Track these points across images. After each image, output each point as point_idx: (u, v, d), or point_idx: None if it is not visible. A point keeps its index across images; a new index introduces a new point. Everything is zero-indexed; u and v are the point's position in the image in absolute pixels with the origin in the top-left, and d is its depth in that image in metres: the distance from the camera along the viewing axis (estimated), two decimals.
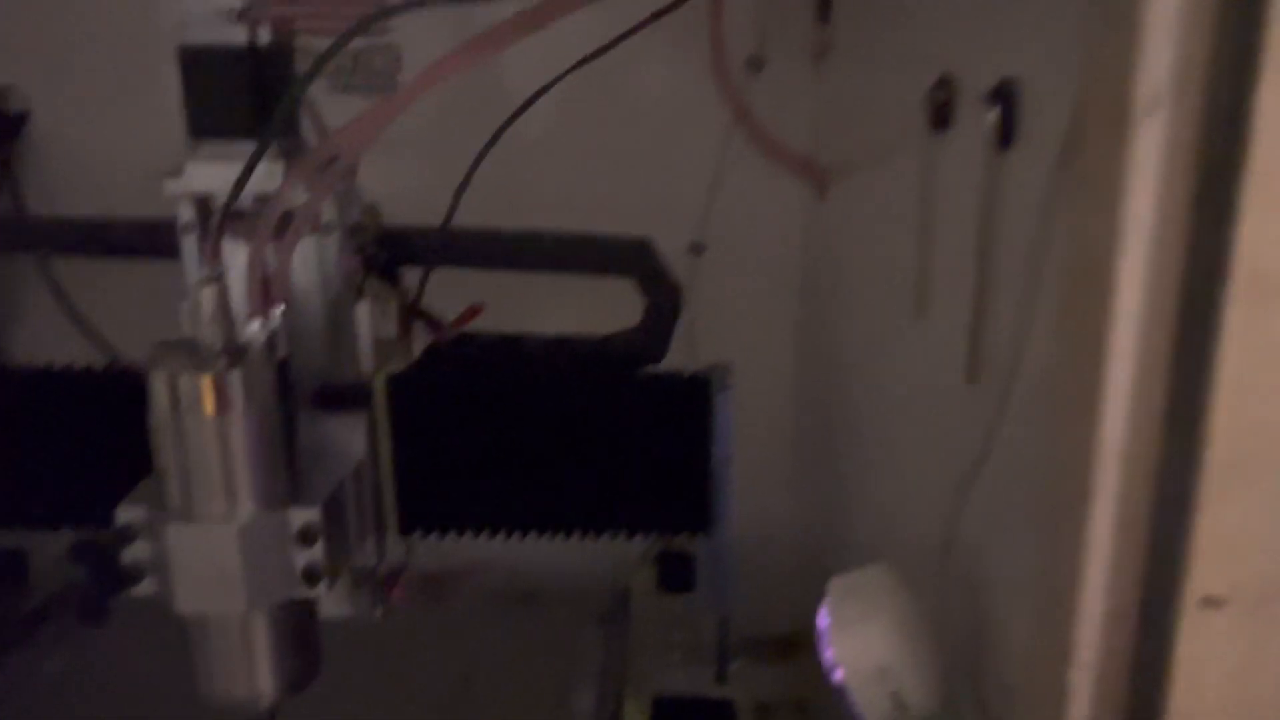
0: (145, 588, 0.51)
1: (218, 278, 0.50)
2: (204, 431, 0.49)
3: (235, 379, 0.50)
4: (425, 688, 0.88)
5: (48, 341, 0.94)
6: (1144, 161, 0.30)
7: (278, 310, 0.55)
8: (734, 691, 0.79)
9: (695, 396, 0.81)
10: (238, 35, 0.58)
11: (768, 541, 0.94)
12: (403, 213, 0.73)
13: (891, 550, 0.63)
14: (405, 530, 0.68)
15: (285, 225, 0.56)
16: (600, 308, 0.82)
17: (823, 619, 0.44)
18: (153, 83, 0.68)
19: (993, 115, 0.43)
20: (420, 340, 0.74)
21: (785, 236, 1.03)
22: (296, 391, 0.57)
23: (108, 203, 0.79)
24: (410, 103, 0.60)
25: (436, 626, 0.91)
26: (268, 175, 0.56)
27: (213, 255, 0.51)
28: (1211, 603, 0.32)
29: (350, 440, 0.64)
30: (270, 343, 0.53)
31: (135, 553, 0.51)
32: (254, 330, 0.53)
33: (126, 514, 0.51)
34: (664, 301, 0.81)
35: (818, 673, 0.46)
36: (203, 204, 0.60)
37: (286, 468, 0.53)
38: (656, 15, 0.80)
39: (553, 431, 0.79)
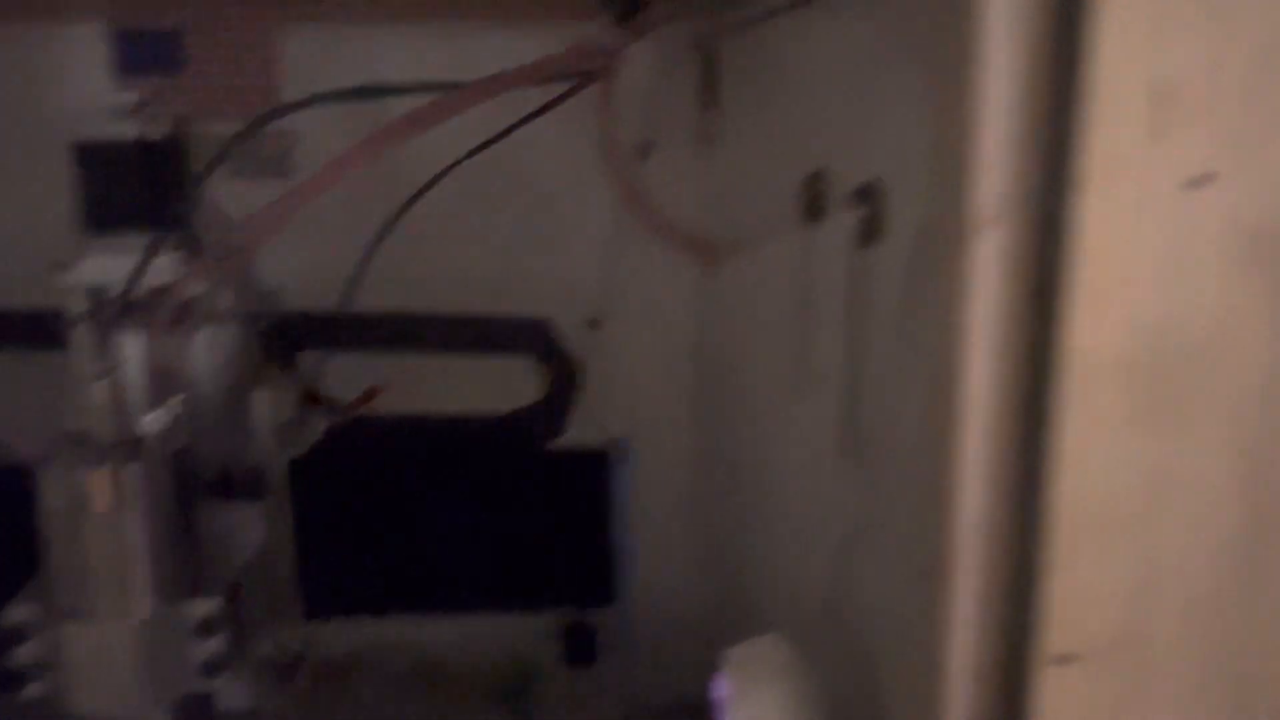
0: (37, 690, 0.50)
1: (111, 370, 0.50)
2: (99, 527, 0.49)
3: (131, 473, 0.50)
4: None
5: None
6: (984, 268, 0.34)
7: (175, 401, 0.56)
8: None
9: (594, 470, 0.83)
10: (131, 129, 0.59)
11: (673, 611, 0.96)
12: (301, 296, 0.74)
13: (788, 619, 0.65)
14: (308, 616, 0.67)
15: (182, 315, 0.57)
16: (500, 386, 0.84)
17: (718, 690, 0.46)
18: (38, 174, 0.67)
19: (857, 214, 0.46)
20: (320, 424, 0.75)
21: (680, 311, 1.06)
22: (195, 480, 0.57)
23: None
24: (314, 196, 0.62)
25: (340, 713, 0.90)
26: (163, 267, 0.56)
27: (106, 347, 0.51)
28: (1065, 659, 0.35)
29: (251, 527, 0.64)
30: (167, 434, 0.53)
31: (26, 654, 0.50)
32: (150, 422, 0.53)
33: (17, 614, 0.50)
34: (562, 379, 0.83)
35: None
36: (95, 295, 0.60)
37: (185, 559, 0.53)
38: (548, 105, 0.83)
39: (455, 510, 0.80)
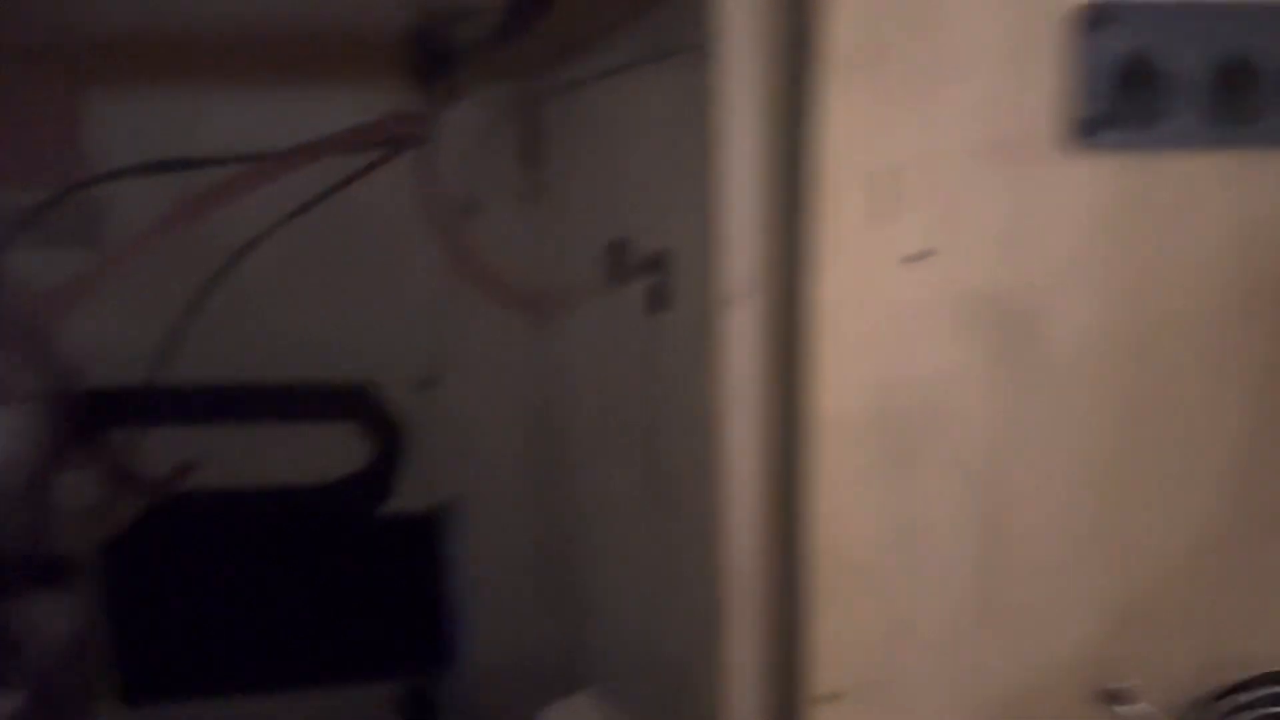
0: None
1: None
2: None
3: None
4: None
5: None
6: (738, 338, 0.37)
7: None
8: None
9: (425, 534, 0.83)
10: None
11: (520, 669, 0.96)
12: (112, 370, 0.72)
13: (618, 671, 0.67)
14: (130, 703, 0.65)
15: None
16: (328, 452, 0.83)
17: None
18: None
19: (648, 282, 0.49)
20: (134, 503, 0.73)
21: (514, 368, 1.07)
22: None
23: None
24: (122, 267, 0.61)
25: None
26: None
27: None
28: (831, 698, 0.37)
29: (60, 615, 0.61)
30: None
31: None
32: None
33: None
34: (386, 444, 0.83)
35: None
36: None
37: None
38: (361, 172, 0.84)
39: (282, 583, 0.79)
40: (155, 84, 0.83)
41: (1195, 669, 0.40)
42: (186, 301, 0.77)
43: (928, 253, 0.36)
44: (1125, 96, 0.35)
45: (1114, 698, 0.40)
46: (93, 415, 0.70)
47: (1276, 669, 0.41)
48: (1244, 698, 0.41)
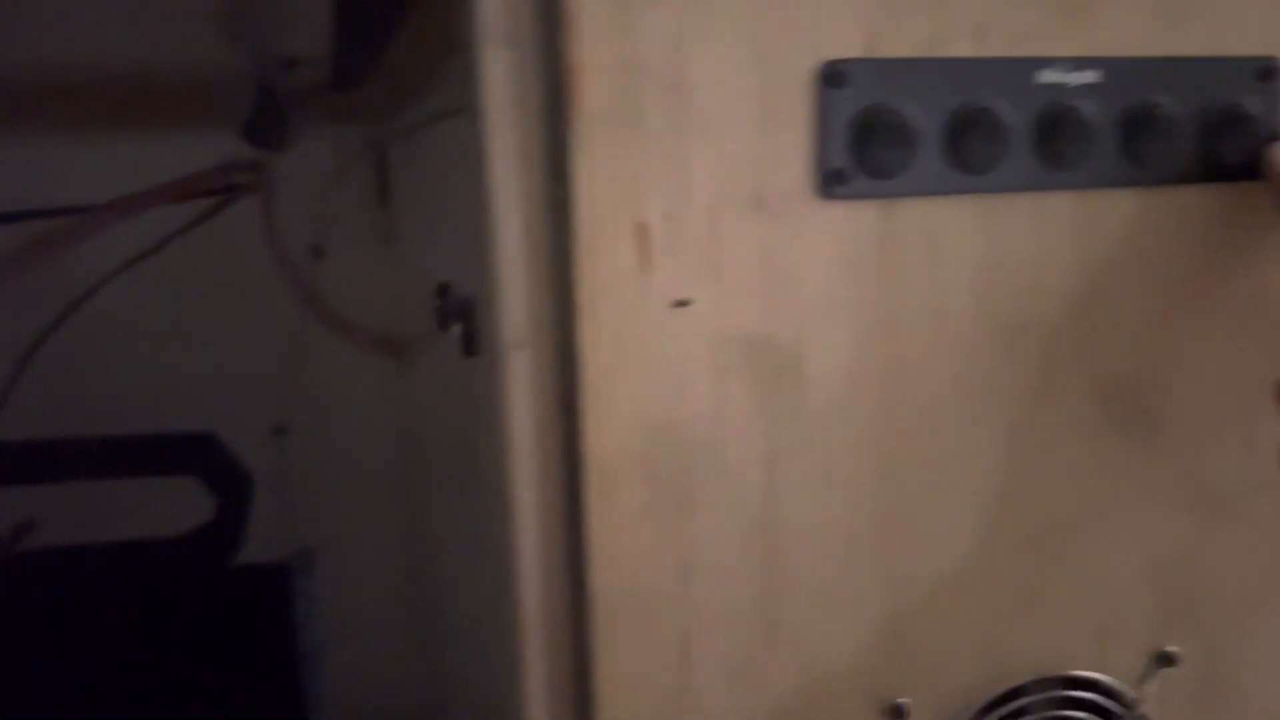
0: None
1: None
2: None
3: None
4: None
5: None
6: (518, 384, 0.38)
7: None
8: None
9: (274, 587, 0.82)
10: None
11: (386, 717, 0.95)
12: None
13: (468, 715, 0.67)
14: None
15: None
16: (172, 505, 0.81)
17: None
18: None
19: (459, 328, 0.50)
20: None
21: (374, 410, 1.07)
22: None
23: None
24: None
25: None
26: None
27: None
28: None
29: None
30: None
31: None
32: None
33: None
34: (231, 495, 0.81)
35: None
36: None
37: None
38: (209, 215, 0.83)
39: (127, 644, 0.77)
40: None
41: (968, 680, 0.43)
42: (19, 355, 0.76)
43: (691, 300, 0.38)
44: (869, 148, 0.38)
45: (894, 713, 0.42)
46: None
47: (1044, 675, 0.44)
48: (1015, 704, 0.43)
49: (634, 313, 0.37)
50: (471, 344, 0.51)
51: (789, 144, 0.38)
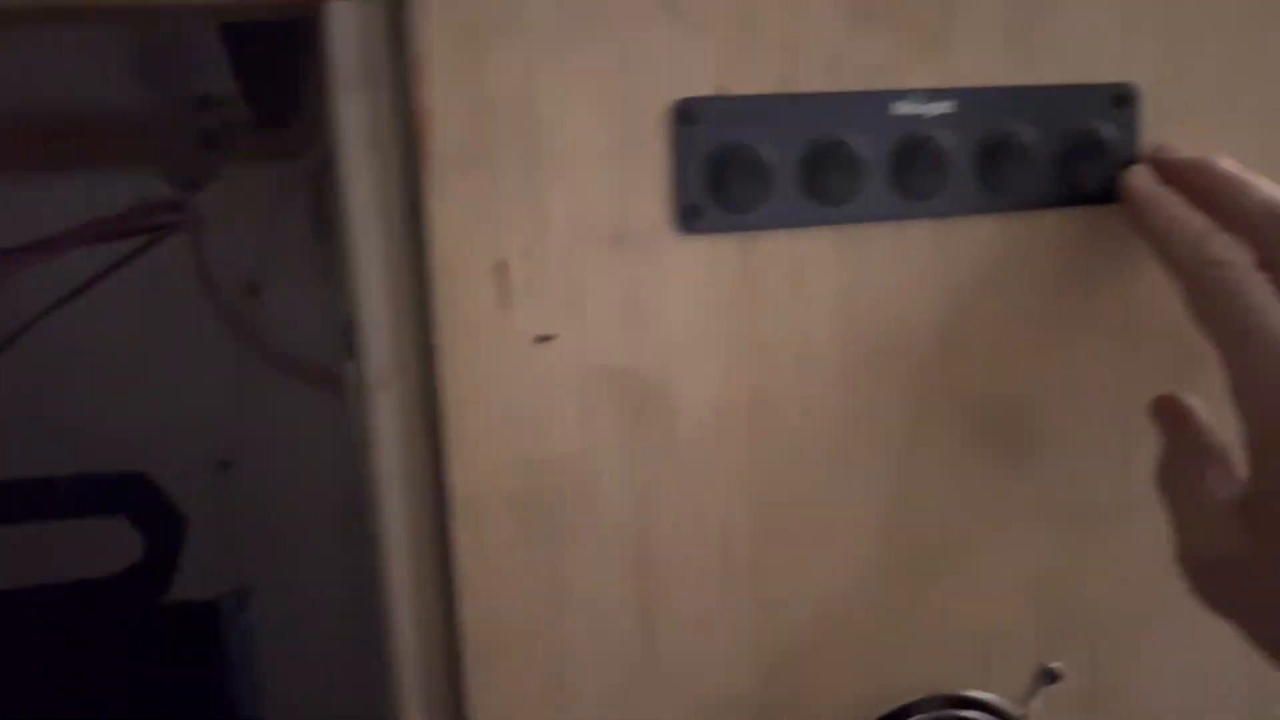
0: None
1: None
2: None
3: None
4: None
5: None
6: (385, 422, 0.38)
7: None
8: None
9: (206, 624, 0.81)
10: None
11: None
12: None
13: None
14: None
15: None
16: (105, 544, 0.81)
17: None
18: None
19: (353, 363, 0.50)
20: None
21: (318, 445, 1.07)
22: None
23: None
24: None
25: None
26: None
27: None
28: None
29: None
30: None
31: None
32: None
33: None
34: (161, 534, 0.81)
35: None
36: None
37: None
38: (132, 256, 0.83)
39: (56, 686, 0.76)
40: None
41: (852, 704, 0.43)
42: None
43: (555, 336, 0.38)
44: (724, 183, 0.39)
45: None
46: None
47: (929, 695, 0.44)
48: None
49: (496, 349, 0.38)
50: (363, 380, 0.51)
51: (646, 181, 0.38)
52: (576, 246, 0.38)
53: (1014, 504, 0.44)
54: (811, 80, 0.39)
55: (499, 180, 0.37)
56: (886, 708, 0.44)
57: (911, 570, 0.44)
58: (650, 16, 0.37)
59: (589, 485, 0.39)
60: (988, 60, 0.41)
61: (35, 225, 0.75)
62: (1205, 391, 0.41)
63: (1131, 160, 0.43)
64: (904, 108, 0.40)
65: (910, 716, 0.44)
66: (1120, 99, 0.43)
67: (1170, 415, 0.42)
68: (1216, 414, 0.40)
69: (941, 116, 0.41)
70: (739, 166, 0.39)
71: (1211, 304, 0.38)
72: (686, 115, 0.38)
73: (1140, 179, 0.42)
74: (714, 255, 0.39)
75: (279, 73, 0.59)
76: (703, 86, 0.38)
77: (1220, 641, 0.40)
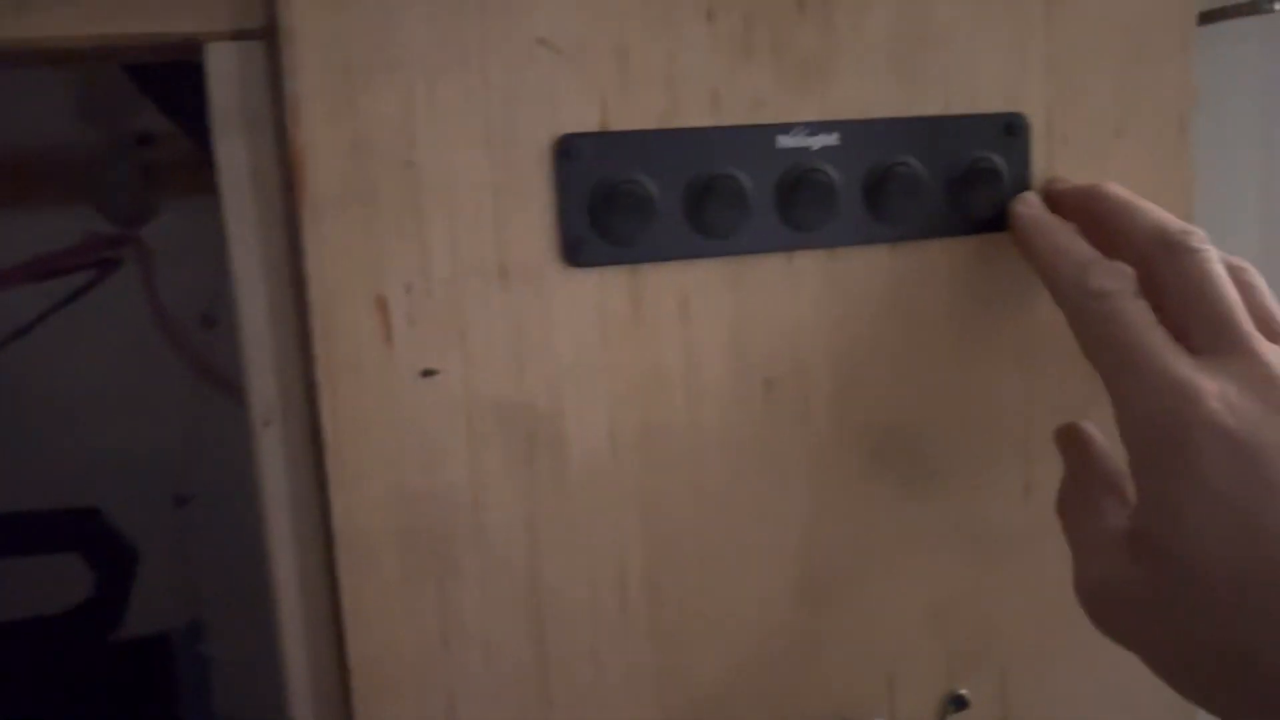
0: None
1: None
2: None
3: None
4: None
5: None
6: (270, 460, 0.38)
7: None
8: None
9: (157, 659, 0.81)
10: None
11: None
12: None
13: None
14: None
15: None
16: (56, 580, 0.81)
17: None
18: None
19: None
20: None
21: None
22: None
23: None
24: None
25: None
26: None
27: None
28: None
29: None
30: None
31: None
32: None
33: None
34: (113, 570, 0.81)
35: None
36: None
37: None
38: (80, 292, 0.83)
39: None
40: None
41: None
42: None
43: (439, 370, 0.38)
44: (608, 217, 0.39)
45: None
46: None
47: None
48: None
49: (380, 384, 0.38)
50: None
51: (530, 215, 0.39)
52: (460, 280, 0.38)
53: (916, 531, 0.44)
54: (694, 115, 0.40)
55: (378, 216, 0.37)
56: None
57: (812, 599, 0.44)
58: (529, 53, 0.38)
59: (478, 519, 0.40)
60: (873, 92, 0.42)
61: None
62: (1106, 416, 0.41)
63: (1023, 188, 0.43)
64: (788, 141, 0.41)
65: None
66: (1010, 128, 0.43)
67: (1071, 443, 0.42)
68: (1116, 440, 0.40)
69: (826, 149, 0.41)
70: (622, 200, 0.39)
71: (1093, 335, 0.38)
72: (568, 151, 0.38)
73: (1026, 208, 0.42)
74: (602, 287, 0.40)
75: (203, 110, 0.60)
76: (587, 122, 0.39)
77: (1130, 667, 0.39)
